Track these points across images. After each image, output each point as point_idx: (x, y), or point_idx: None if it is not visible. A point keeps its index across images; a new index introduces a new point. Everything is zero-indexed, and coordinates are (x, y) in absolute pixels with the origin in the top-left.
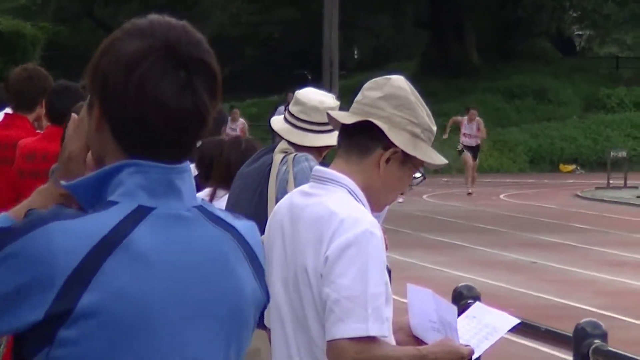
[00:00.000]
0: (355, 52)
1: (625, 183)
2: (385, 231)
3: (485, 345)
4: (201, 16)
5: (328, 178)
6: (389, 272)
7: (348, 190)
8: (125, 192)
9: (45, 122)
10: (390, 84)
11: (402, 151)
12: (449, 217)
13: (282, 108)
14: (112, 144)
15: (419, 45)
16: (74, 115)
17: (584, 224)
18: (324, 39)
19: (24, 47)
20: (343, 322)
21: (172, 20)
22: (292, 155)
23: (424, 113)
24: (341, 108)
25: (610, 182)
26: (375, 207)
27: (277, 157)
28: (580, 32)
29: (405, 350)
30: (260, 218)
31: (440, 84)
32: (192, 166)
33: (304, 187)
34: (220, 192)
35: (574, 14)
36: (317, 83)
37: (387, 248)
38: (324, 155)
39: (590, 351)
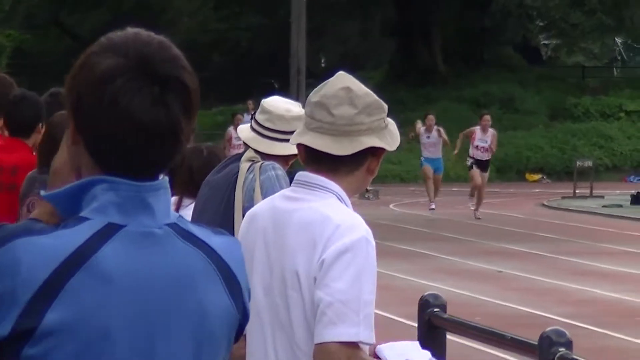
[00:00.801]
0: (323, 60)
1: (591, 192)
2: None
3: None
4: (169, 23)
5: (316, 184)
6: None
7: (337, 197)
8: (97, 208)
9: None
10: (357, 96)
11: None
12: (416, 226)
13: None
14: (87, 158)
15: (386, 52)
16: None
17: (549, 233)
18: (292, 47)
19: None
20: (335, 325)
21: (148, 36)
22: (259, 163)
23: (380, 100)
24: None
25: (577, 191)
26: (358, 192)
27: (244, 165)
28: (547, 41)
29: None
30: (227, 226)
31: (407, 92)
32: None
33: (286, 192)
34: (186, 200)
35: (541, 23)
36: (284, 91)
37: None
38: (292, 163)
39: (555, 359)
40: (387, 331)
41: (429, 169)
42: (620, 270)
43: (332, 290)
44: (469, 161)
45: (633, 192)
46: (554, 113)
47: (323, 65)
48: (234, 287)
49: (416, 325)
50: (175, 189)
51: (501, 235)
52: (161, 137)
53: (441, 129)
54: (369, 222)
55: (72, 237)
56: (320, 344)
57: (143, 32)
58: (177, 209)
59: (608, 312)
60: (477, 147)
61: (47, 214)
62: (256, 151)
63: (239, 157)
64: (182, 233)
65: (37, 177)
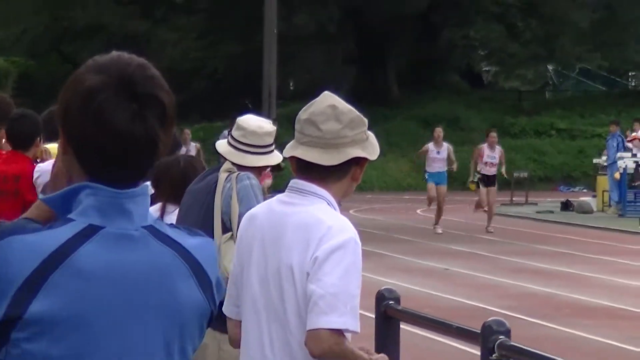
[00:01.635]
0: (291, 84)
1: (526, 200)
2: None
3: None
4: (155, 51)
5: (309, 191)
6: None
7: (327, 202)
8: (80, 211)
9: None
10: (341, 112)
11: None
12: (373, 229)
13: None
14: (77, 166)
15: (347, 78)
16: None
17: (490, 236)
18: (264, 72)
19: None
20: (326, 314)
21: (129, 57)
22: (235, 174)
23: (361, 115)
24: (279, 133)
25: (514, 199)
26: (345, 197)
27: (222, 175)
28: (487, 68)
29: (360, 352)
30: (207, 229)
31: (366, 113)
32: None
33: (282, 197)
34: (169, 207)
35: (482, 53)
36: (258, 111)
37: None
38: (264, 174)
39: (495, 346)
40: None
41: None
42: (552, 268)
43: (324, 283)
44: (476, 177)
45: (563, 200)
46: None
47: (292, 88)
48: (205, 282)
49: (373, 316)
50: (159, 196)
51: (448, 237)
52: (140, 148)
53: (450, 147)
54: None
55: (56, 236)
56: (312, 330)
57: (125, 55)
58: (162, 214)
59: (542, 305)
60: (486, 163)
61: (43, 215)
62: (233, 163)
63: (217, 168)
64: (158, 235)
65: None
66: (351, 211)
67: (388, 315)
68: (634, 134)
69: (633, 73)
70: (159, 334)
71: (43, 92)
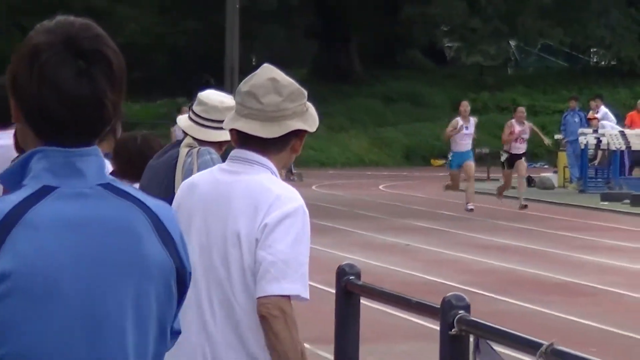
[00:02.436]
0: (253, 60)
1: (488, 176)
2: None
3: None
4: (116, 27)
5: (253, 160)
6: None
7: (271, 172)
8: (33, 176)
9: None
10: (282, 85)
11: None
12: (334, 205)
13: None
14: (30, 132)
15: (309, 54)
16: None
17: (451, 212)
18: (226, 48)
19: None
20: (278, 281)
21: (76, 19)
22: (197, 149)
23: (300, 87)
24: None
25: (475, 175)
26: (285, 168)
27: (183, 150)
28: (450, 44)
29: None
30: (169, 200)
31: (328, 90)
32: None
33: (224, 166)
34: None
35: (445, 28)
36: (220, 86)
37: None
38: (225, 148)
39: (455, 320)
40: (309, 296)
41: (457, 177)
42: (512, 244)
43: (275, 250)
44: (503, 156)
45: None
46: (456, 107)
47: (253, 64)
48: (167, 239)
49: (334, 291)
50: (116, 172)
51: (409, 213)
52: (87, 107)
53: (476, 120)
54: None
55: (10, 200)
56: (264, 296)
57: (70, 17)
58: None
59: (502, 280)
60: (517, 140)
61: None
62: (194, 138)
63: (178, 143)
64: (116, 191)
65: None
66: (313, 187)
67: (348, 291)
68: (591, 112)
69: (594, 49)
70: (127, 287)
71: (4, 66)
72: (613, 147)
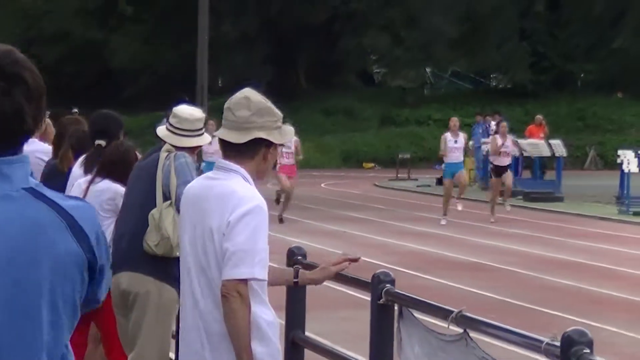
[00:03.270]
0: (219, 81)
1: (409, 176)
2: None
3: None
4: (109, 54)
5: (229, 168)
6: None
7: (242, 177)
8: None
9: None
10: (253, 102)
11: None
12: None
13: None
14: None
15: (265, 76)
16: None
17: (379, 205)
18: (197, 71)
19: None
20: (237, 267)
21: (1, 46)
22: (173, 153)
23: (274, 107)
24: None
25: (398, 175)
26: (262, 179)
27: (163, 154)
28: (377, 70)
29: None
30: (151, 198)
31: (280, 105)
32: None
33: (209, 174)
34: (98, 179)
35: (374, 57)
36: (193, 102)
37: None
38: (197, 152)
39: (382, 292)
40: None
41: (450, 187)
42: (429, 231)
43: (235, 242)
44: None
45: (438, 176)
46: (383, 120)
47: (220, 85)
48: (80, 235)
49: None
50: (99, 171)
51: (346, 206)
52: (9, 121)
53: (465, 136)
54: None
55: None
56: (225, 280)
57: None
58: (90, 184)
59: (420, 260)
60: (500, 153)
61: None
62: (171, 144)
63: (159, 148)
64: (37, 195)
65: (50, 161)
66: (268, 185)
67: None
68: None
69: (494, 75)
70: (41, 273)
71: None
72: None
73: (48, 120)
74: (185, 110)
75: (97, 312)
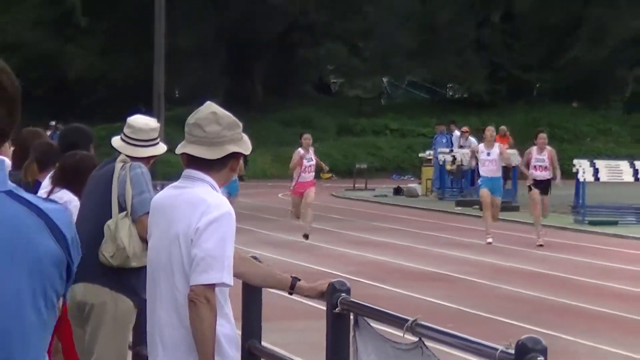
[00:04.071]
0: (176, 90)
1: (366, 186)
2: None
3: None
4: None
5: (196, 177)
6: None
7: (210, 186)
8: None
9: None
10: (221, 117)
11: None
12: (244, 210)
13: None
14: None
15: (222, 87)
16: None
17: (337, 215)
18: (154, 82)
19: None
20: (206, 272)
21: None
22: (129, 164)
23: (237, 119)
24: (166, 131)
25: (356, 185)
26: (226, 183)
27: (118, 165)
28: (335, 80)
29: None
30: (106, 209)
31: (238, 116)
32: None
33: (177, 183)
34: (56, 189)
35: (330, 67)
36: (150, 111)
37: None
38: (153, 162)
39: (338, 301)
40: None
41: (487, 194)
42: (386, 241)
43: (204, 248)
44: (528, 183)
45: (395, 186)
46: (340, 130)
47: (177, 95)
48: (59, 236)
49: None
50: (54, 181)
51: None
52: None
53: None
54: None
55: None
56: (194, 285)
57: None
58: (49, 194)
59: (377, 270)
60: (535, 167)
61: None
62: (126, 155)
63: (114, 159)
64: (16, 197)
65: (12, 174)
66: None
67: None
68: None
69: (450, 85)
70: (22, 271)
71: None
72: (464, 164)
73: None
74: (140, 120)
75: (59, 322)
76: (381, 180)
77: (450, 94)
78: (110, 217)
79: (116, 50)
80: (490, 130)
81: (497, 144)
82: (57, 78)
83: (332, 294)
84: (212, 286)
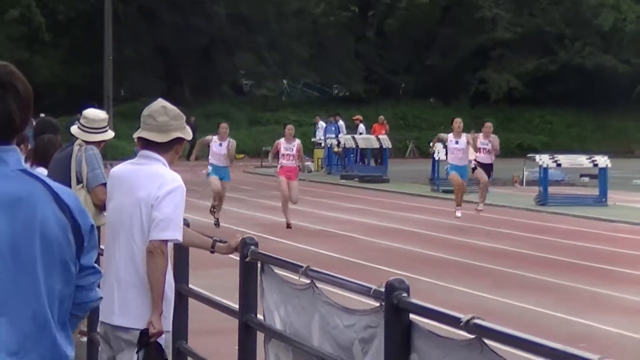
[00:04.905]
0: (122, 92)
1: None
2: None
3: None
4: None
5: (152, 157)
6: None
7: (162, 164)
8: None
9: None
10: (169, 110)
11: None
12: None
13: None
14: None
15: (158, 89)
16: None
17: (248, 187)
18: (104, 84)
19: None
20: (164, 231)
21: None
22: (84, 147)
23: (181, 112)
24: (113, 122)
25: (263, 164)
26: (172, 163)
27: (76, 148)
28: (246, 82)
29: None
30: (66, 182)
31: None
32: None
33: (134, 161)
34: (34, 166)
35: (243, 72)
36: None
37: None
38: (103, 146)
39: (248, 252)
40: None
41: (456, 176)
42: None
43: (163, 212)
44: (472, 164)
45: None
46: (252, 121)
47: (122, 94)
48: (63, 206)
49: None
50: (32, 159)
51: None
52: (2, 119)
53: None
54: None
55: None
56: (152, 239)
57: None
58: None
59: (278, 229)
60: (479, 149)
61: None
62: (82, 140)
63: (72, 142)
64: (29, 174)
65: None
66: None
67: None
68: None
69: (335, 85)
70: (34, 237)
71: None
72: (347, 146)
73: None
74: (93, 113)
75: None
76: None
77: (336, 92)
78: (70, 189)
79: (74, 60)
80: (457, 122)
81: (464, 134)
82: (27, 82)
83: (244, 247)
84: (166, 242)
